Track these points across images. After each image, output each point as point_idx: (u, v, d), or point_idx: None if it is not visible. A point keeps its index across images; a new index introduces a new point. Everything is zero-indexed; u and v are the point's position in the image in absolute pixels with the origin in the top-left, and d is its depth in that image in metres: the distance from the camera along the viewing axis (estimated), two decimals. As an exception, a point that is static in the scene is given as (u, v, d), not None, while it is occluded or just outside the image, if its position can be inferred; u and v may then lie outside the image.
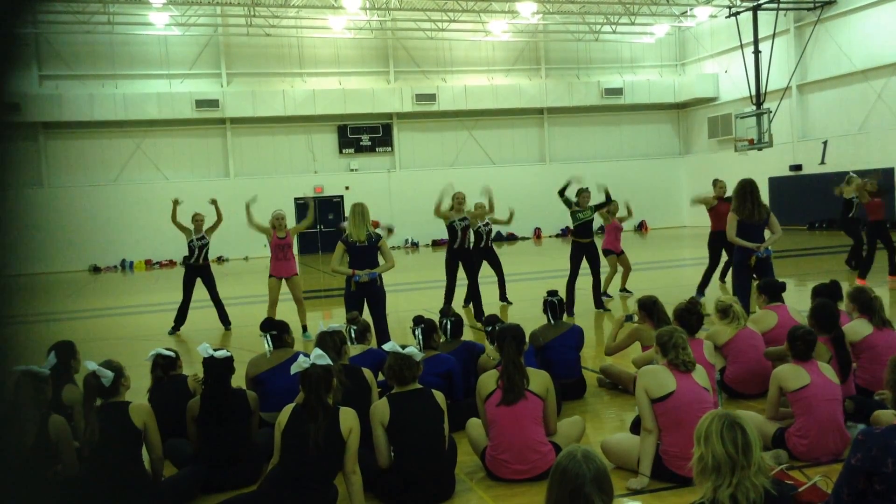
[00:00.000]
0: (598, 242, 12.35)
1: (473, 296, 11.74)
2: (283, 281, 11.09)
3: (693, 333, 6.04)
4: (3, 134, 1.11)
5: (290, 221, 12.57)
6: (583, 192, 11.84)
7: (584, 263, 11.84)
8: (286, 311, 10.86)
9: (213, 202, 12.63)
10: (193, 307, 12.42)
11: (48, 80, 28.04)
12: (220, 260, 28.56)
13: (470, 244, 11.72)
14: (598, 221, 12.73)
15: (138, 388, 5.87)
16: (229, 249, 28.96)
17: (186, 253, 12.51)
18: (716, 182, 13.13)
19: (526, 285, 15.19)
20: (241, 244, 29.07)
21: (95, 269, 28.74)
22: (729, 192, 11.41)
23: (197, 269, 12.31)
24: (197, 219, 12.38)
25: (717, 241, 12.42)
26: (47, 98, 27.08)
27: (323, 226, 30.94)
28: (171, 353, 6.20)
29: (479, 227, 12.38)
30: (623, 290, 13.42)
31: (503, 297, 12.99)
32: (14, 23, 1.10)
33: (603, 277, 12.52)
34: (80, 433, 5.01)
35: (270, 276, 11.15)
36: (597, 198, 12.45)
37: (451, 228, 11.58)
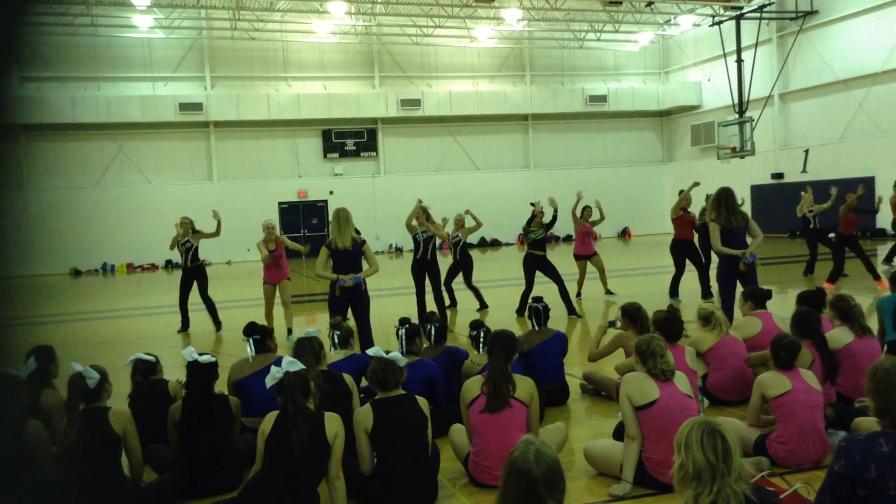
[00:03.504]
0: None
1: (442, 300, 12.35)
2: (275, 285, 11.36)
3: (675, 340, 6.07)
4: (2, 135, 1.10)
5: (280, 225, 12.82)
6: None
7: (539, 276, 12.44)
8: (275, 315, 10.90)
9: (216, 216, 12.71)
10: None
11: (30, 81, 27.82)
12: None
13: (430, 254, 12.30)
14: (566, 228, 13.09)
15: (118, 392, 5.82)
16: (212, 253, 28.78)
17: (178, 257, 12.66)
18: (681, 193, 13.70)
19: (508, 291, 15.21)
20: (224, 248, 28.95)
21: (76, 273, 28.50)
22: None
23: (190, 271, 12.39)
24: (183, 222, 12.40)
25: (679, 248, 13.17)
26: (29, 100, 26.86)
27: (307, 230, 30.85)
28: (152, 358, 6.15)
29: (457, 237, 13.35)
30: (608, 292, 13.74)
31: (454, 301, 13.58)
32: (13, 23, 1.09)
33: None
34: (58, 438, 4.96)
35: (265, 283, 11.37)
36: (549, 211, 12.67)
37: (414, 240, 12.25)
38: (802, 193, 15.47)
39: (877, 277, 13.54)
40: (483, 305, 13.24)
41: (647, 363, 4.86)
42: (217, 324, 12.52)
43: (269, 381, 4.54)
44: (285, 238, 11.71)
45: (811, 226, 14.99)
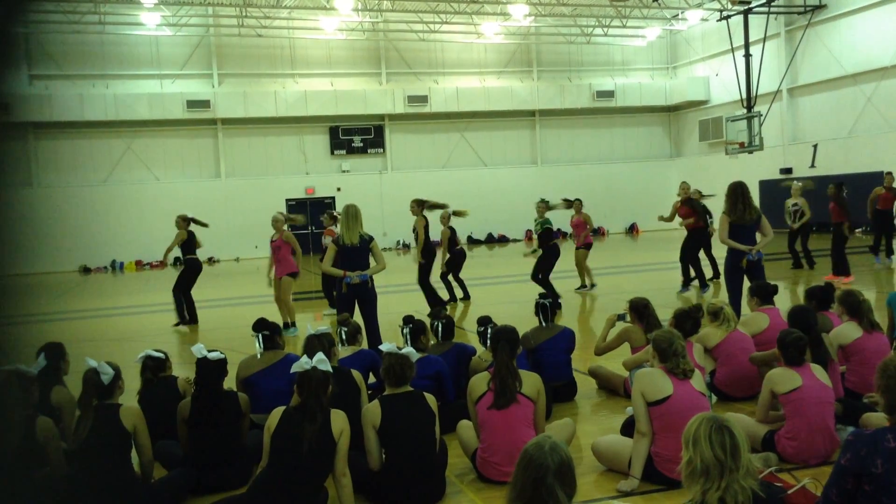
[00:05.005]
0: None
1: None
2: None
3: (685, 336, 6.06)
4: (2, 134, 1.11)
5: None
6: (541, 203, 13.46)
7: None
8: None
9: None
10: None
11: (38, 79, 27.91)
12: (210, 261, 28.46)
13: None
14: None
15: (128, 389, 5.85)
16: (220, 251, 28.89)
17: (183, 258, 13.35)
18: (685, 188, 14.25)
19: (515, 287, 15.22)
20: (232, 245, 29.07)
21: (85, 270, 28.60)
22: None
23: None
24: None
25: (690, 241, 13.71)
26: (37, 98, 26.96)
27: (314, 227, 30.89)
28: (161, 355, 6.17)
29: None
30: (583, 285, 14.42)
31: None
32: (9, 23, 1.09)
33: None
34: (68, 435, 4.98)
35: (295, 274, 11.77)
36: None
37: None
38: (796, 182, 15.86)
39: (843, 274, 13.78)
40: (452, 298, 13.77)
41: (668, 362, 4.83)
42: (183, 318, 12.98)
43: (295, 368, 4.57)
44: (290, 235, 11.82)
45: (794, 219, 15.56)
